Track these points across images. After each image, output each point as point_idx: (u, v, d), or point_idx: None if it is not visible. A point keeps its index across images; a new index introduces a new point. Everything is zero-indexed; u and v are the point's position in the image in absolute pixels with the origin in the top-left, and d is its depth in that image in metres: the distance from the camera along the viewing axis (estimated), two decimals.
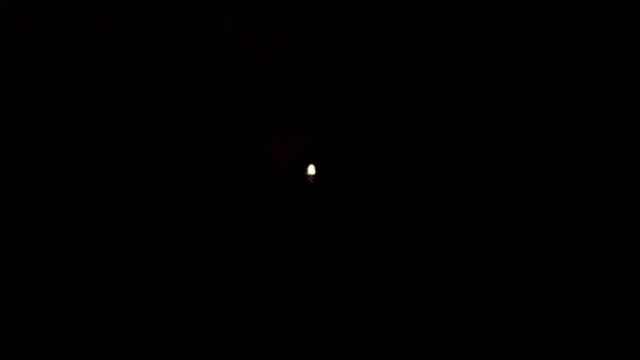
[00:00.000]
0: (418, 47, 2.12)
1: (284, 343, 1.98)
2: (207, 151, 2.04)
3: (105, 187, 1.97)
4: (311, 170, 1.95)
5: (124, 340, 1.92)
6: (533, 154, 2.09)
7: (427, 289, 2.04)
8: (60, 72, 1.99)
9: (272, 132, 2.08)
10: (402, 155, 2.11)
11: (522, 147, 2.09)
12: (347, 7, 2.11)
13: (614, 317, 1.98)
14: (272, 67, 2.12)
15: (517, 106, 2.09)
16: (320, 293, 1.98)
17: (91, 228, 1.94)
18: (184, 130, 2.04)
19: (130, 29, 2.05)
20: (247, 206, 2.01)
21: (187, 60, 2.07)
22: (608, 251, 2.02)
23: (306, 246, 2.00)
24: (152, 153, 2.00)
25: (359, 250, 2.04)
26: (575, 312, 2.00)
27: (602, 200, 2.04)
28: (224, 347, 1.94)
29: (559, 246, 2.04)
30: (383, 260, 2.05)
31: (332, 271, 2.01)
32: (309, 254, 2.01)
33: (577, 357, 1.97)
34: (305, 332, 1.97)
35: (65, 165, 1.96)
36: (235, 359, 1.94)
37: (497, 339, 2.01)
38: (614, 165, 2.04)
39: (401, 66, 2.13)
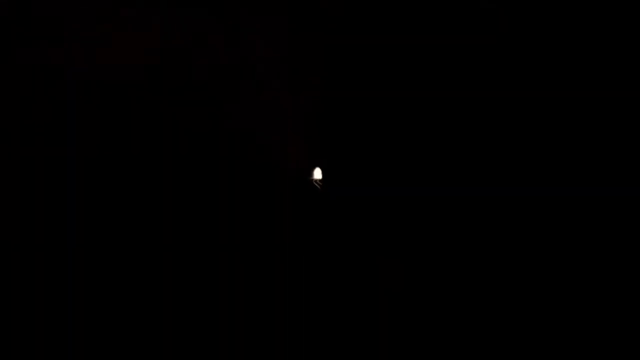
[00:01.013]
0: (416, 47, 2.13)
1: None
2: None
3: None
4: (317, 174, 1.90)
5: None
6: (528, 159, 2.11)
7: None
8: None
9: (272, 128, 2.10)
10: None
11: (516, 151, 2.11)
12: (347, 7, 2.12)
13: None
14: (273, 65, 2.12)
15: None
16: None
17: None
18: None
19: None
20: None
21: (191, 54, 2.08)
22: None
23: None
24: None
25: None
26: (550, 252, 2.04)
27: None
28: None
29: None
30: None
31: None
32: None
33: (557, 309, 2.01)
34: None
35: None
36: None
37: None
38: (610, 165, 2.06)
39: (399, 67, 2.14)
